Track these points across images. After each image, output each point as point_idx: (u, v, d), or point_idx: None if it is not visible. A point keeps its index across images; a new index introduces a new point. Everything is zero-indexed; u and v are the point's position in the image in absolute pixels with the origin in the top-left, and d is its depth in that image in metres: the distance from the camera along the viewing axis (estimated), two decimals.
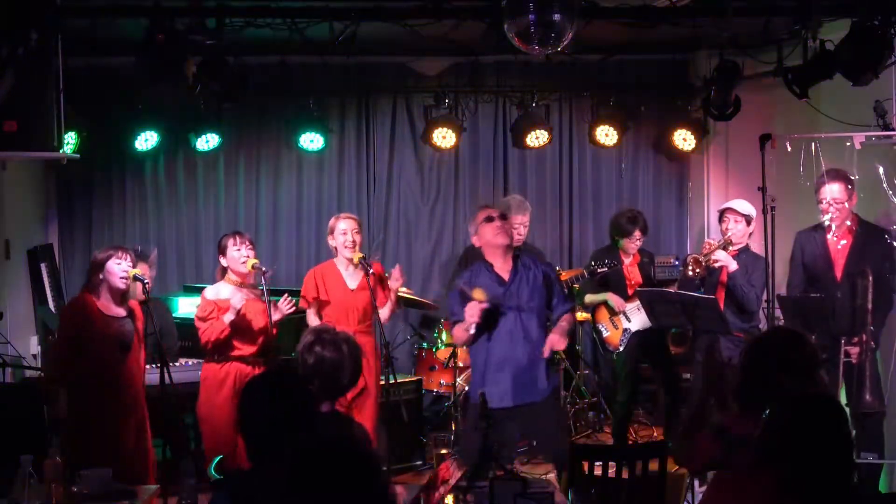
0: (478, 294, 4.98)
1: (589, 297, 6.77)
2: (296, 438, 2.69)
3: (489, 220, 5.10)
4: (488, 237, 5.10)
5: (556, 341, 5.02)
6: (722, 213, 6.07)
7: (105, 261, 5.00)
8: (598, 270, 6.60)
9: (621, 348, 6.67)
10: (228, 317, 5.29)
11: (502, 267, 5.11)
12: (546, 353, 5.03)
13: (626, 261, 6.73)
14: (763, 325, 5.92)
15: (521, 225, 6.37)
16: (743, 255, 5.94)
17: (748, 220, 5.95)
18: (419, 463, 6.65)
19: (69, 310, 5.20)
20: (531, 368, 5.04)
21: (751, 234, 6.01)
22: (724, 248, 5.90)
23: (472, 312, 4.94)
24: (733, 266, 5.83)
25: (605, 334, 6.75)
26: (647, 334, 6.61)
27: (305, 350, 3.57)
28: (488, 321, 5.01)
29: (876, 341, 5.43)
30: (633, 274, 6.72)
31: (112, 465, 4.17)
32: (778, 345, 3.36)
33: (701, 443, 3.34)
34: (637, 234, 6.64)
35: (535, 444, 6.20)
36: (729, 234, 5.94)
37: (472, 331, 4.98)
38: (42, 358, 6.75)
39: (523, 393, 5.03)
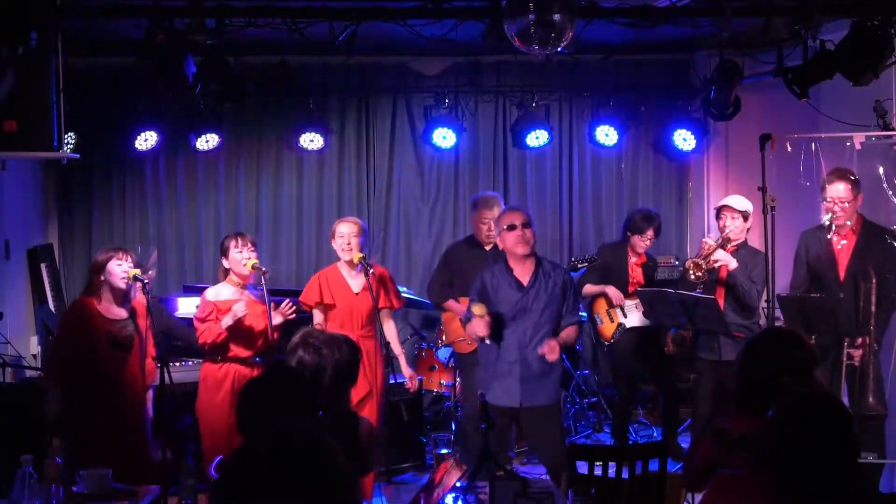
0: (477, 310, 5.01)
1: (588, 288, 6.76)
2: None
3: (511, 228, 5.08)
4: (509, 244, 5.10)
5: (549, 350, 5.01)
6: (719, 210, 6.05)
7: (106, 262, 5.00)
8: (579, 265, 6.68)
9: (612, 340, 6.69)
10: (227, 321, 5.27)
11: (522, 272, 5.11)
12: (542, 352, 5.01)
13: (633, 259, 6.73)
14: (763, 322, 5.91)
15: (490, 220, 6.26)
16: (741, 250, 5.92)
17: (745, 215, 5.93)
18: (419, 463, 6.65)
19: (68, 313, 5.21)
20: (541, 373, 5.07)
21: (748, 229, 6.00)
22: (723, 246, 5.88)
23: (477, 329, 5.01)
24: (733, 264, 5.81)
25: (599, 325, 6.77)
26: (643, 335, 6.62)
27: (290, 352, 3.56)
28: (497, 327, 5.05)
29: (878, 342, 5.41)
30: (636, 274, 6.73)
31: (109, 465, 4.16)
32: (776, 345, 3.35)
33: (700, 445, 3.33)
34: (650, 233, 6.64)
35: (529, 447, 6.22)
36: (727, 230, 5.92)
37: (483, 338, 5.04)
38: (41, 359, 6.75)
39: (531, 395, 5.06)
